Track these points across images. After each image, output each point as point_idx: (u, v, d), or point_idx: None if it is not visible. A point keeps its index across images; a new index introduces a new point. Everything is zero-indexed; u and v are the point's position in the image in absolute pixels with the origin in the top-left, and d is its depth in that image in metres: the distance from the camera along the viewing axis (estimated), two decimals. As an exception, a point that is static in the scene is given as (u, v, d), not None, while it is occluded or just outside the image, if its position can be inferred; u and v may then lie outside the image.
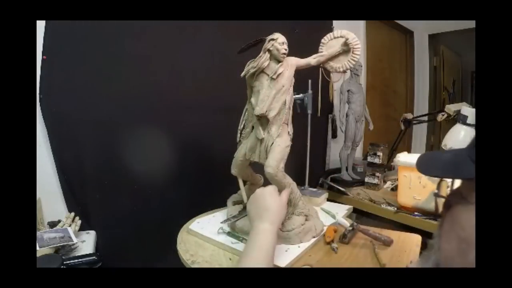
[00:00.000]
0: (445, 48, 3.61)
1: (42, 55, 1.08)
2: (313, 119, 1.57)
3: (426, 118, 2.18)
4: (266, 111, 0.94)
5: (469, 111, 1.48)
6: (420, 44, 3.49)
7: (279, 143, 0.97)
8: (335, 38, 1.05)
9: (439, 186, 0.44)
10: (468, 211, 0.37)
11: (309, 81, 1.52)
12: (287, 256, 0.90)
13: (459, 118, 1.51)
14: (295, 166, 1.02)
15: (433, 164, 0.43)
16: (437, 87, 3.64)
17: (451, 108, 1.73)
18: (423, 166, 0.43)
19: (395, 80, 3.26)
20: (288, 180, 0.99)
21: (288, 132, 1.01)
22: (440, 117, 1.79)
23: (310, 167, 1.65)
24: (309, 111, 1.53)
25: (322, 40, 1.07)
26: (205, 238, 1.02)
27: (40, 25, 1.07)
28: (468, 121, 1.47)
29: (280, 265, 0.85)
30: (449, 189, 0.45)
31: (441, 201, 0.45)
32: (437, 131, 3.50)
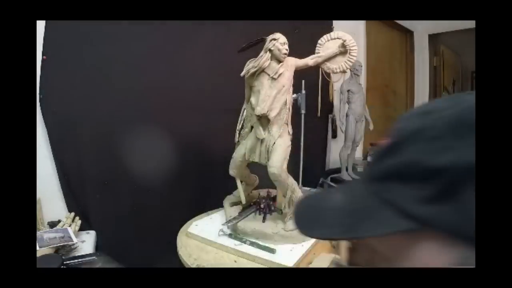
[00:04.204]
0: (445, 48, 3.61)
1: (42, 55, 1.08)
2: (313, 119, 1.57)
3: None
4: (267, 111, 0.94)
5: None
6: (420, 44, 3.49)
7: (280, 143, 0.97)
8: (332, 39, 1.06)
9: (339, 250, 0.29)
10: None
11: (303, 81, 1.53)
12: (293, 255, 0.90)
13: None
14: (290, 166, 1.02)
15: (323, 218, 0.27)
16: (437, 87, 3.63)
17: (451, 108, 1.73)
18: (305, 223, 0.28)
19: (395, 80, 3.26)
20: (291, 180, 0.99)
21: (288, 132, 1.01)
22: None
23: (307, 167, 1.65)
24: (303, 111, 1.54)
25: (319, 41, 1.08)
26: (206, 241, 1.01)
27: (40, 25, 1.07)
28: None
29: (288, 264, 0.85)
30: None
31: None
32: (437, 131, 3.50)
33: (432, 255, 0.22)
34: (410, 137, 0.24)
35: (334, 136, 2.33)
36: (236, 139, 1.10)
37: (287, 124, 1.00)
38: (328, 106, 2.24)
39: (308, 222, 0.28)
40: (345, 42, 1.02)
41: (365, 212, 0.25)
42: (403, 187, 0.23)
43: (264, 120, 0.98)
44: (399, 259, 0.24)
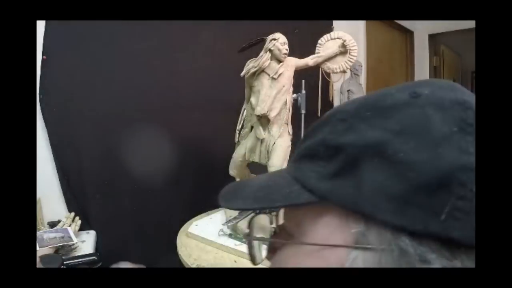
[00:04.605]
0: (445, 48, 3.61)
1: (42, 55, 1.08)
2: (313, 119, 1.57)
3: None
4: (267, 111, 0.94)
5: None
6: (420, 44, 3.49)
7: (281, 143, 0.97)
8: (332, 39, 1.06)
9: (251, 223, 0.30)
10: (297, 254, 0.26)
11: (303, 81, 1.53)
12: None
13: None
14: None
15: (241, 192, 0.29)
16: (437, 87, 3.63)
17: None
18: (226, 196, 0.30)
19: (395, 80, 3.26)
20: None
21: (289, 132, 1.01)
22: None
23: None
24: (303, 111, 1.54)
25: (319, 41, 1.08)
26: (206, 241, 1.01)
27: (40, 25, 1.07)
28: (468, 121, 1.47)
29: None
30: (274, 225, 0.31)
31: (260, 245, 0.31)
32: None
33: (331, 230, 0.23)
34: (324, 120, 0.27)
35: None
36: (236, 139, 1.10)
37: (287, 124, 1.00)
38: (328, 106, 2.24)
39: (228, 195, 0.30)
40: (345, 42, 1.02)
41: (275, 187, 0.27)
42: (310, 165, 0.25)
43: (264, 120, 0.98)
44: (303, 235, 0.25)
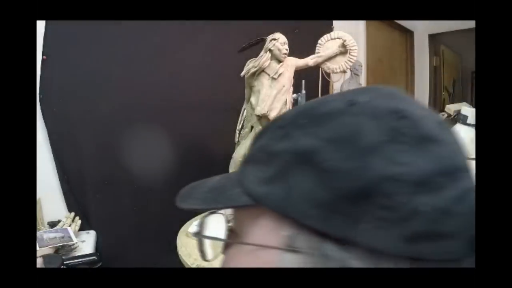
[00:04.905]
0: (445, 48, 3.61)
1: (42, 55, 1.08)
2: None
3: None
4: (267, 111, 0.94)
5: (469, 111, 1.48)
6: (420, 44, 3.49)
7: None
8: (332, 39, 1.06)
9: (203, 222, 0.30)
10: (239, 253, 0.27)
11: (303, 81, 1.53)
12: None
13: (459, 118, 1.51)
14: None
15: (194, 193, 0.31)
16: (437, 87, 3.63)
17: (451, 108, 1.73)
18: (181, 196, 0.31)
19: (395, 80, 3.26)
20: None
21: (288, 132, 1.01)
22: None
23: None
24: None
25: (319, 41, 1.08)
26: None
27: (40, 25, 1.07)
28: (468, 121, 1.47)
29: None
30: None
31: (212, 243, 0.32)
32: (437, 131, 3.50)
33: (266, 232, 0.24)
34: (267, 126, 0.28)
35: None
36: (236, 139, 1.10)
37: (287, 124, 1.00)
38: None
39: (184, 195, 0.31)
40: (345, 42, 1.02)
41: (222, 188, 0.28)
42: (252, 169, 0.26)
43: (264, 120, 0.98)
44: (244, 235, 0.26)
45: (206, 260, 0.32)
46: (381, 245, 0.20)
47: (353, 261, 0.20)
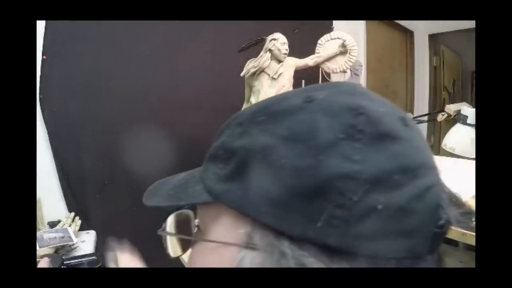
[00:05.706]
0: (445, 48, 3.61)
1: (42, 55, 1.08)
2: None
3: (426, 118, 2.18)
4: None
5: (469, 111, 1.48)
6: (420, 44, 3.48)
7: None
8: (332, 39, 1.06)
9: (168, 219, 0.30)
10: (202, 250, 0.27)
11: (303, 81, 1.53)
12: None
13: (459, 118, 1.51)
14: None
15: (159, 190, 0.31)
16: (437, 87, 3.63)
17: (451, 108, 1.73)
18: (147, 193, 0.32)
19: (395, 80, 3.25)
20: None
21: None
22: (440, 117, 1.79)
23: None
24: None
25: (319, 42, 1.08)
26: None
27: (40, 25, 1.07)
28: (468, 121, 1.46)
29: None
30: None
31: (171, 241, 0.32)
32: (437, 131, 3.50)
33: (225, 229, 0.24)
34: (227, 123, 0.28)
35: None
36: (236, 139, 1.10)
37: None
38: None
39: (150, 192, 0.32)
40: (345, 42, 1.02)
41: (185, 185, 0.28)
42: (212, 166, 0.26)
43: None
44: (206, 232, 0.26)
45: (171, 257, 0.32)
46: (336, 243, 0.20)
47: (309, 258, 0.20)
